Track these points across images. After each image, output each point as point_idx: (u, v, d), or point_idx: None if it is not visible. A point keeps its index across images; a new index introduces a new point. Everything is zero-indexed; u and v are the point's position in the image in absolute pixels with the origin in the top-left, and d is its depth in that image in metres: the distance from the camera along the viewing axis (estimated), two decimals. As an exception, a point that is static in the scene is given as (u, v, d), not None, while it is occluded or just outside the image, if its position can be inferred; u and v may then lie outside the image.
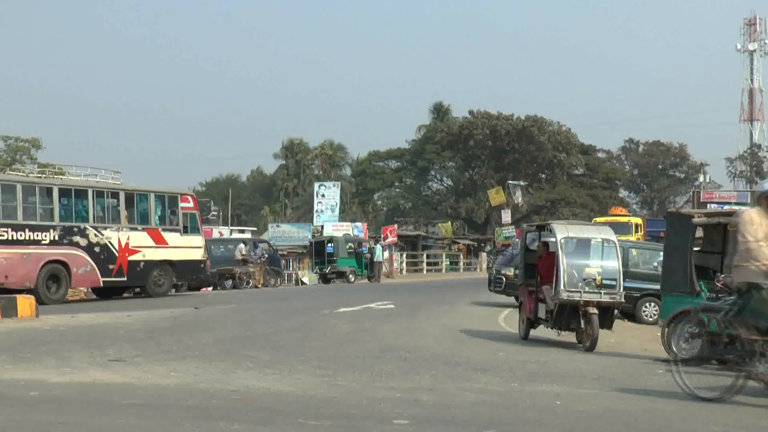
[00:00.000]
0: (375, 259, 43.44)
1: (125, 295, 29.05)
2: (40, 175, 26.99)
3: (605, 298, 15.49)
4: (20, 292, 22.43)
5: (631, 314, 22.48)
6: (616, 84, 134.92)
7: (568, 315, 15.71)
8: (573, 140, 71.24)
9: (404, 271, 53.30)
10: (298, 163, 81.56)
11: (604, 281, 15.57)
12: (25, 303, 19.48)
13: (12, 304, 19.21)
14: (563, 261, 15.51)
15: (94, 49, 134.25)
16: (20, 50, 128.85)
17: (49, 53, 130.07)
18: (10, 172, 28.01)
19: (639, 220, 44.98)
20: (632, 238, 40.07)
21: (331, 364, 12.70)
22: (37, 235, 24.55)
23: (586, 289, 15.45)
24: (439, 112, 78.98)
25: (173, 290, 29.92)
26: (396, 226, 59.31)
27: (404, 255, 55.58)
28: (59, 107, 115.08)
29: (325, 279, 42.47)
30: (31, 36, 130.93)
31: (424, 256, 58.01)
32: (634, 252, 23.71)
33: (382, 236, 53.00)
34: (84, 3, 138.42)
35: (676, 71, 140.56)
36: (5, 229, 23.78)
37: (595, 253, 16.13)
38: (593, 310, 15.36)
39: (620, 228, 43.03)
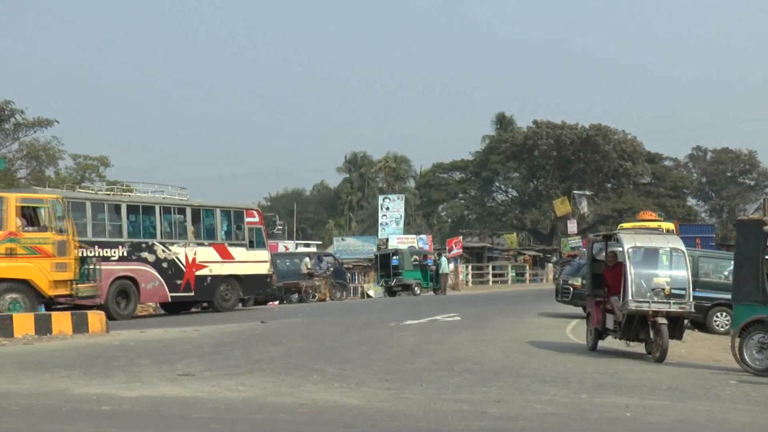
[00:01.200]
0: (440, 272, 43.33)
1: (193, 309, 29.34)
2: (108, 193, 27.41)
3: (674, 308, 15.26)
4: (91, 308, 22.75)
5: (702, 324, 22.12)
6: (682, 90, 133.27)
7: (636, 325, 15.51)
8: (639, 148, 70.44)
9: (470, 283, 53.10)
10: (362, 177, 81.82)
11: (673, 291, 15.34)
12: (95, 319, 19.76)
13: (83, 319, 19.50)
14: (631, 271, 15.32)
15: (159, 68, 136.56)
16: (87, 75, 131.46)
17: (113, 77, 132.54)
18: (80, 190, 28.50)
19: (671, 226, 41.07)
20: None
21: (398, 376, 12.67)
22: (107, 252, 24.91)
23: (655, 299, 15.24)
24: (502, 122, 78.67)
25: (240, 305, 30.15)
26: (461, 237, 59.12)
27: (470, 267, 55.36)
28: (127, 123, 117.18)
29: (390, 292, 42.47)
30: (96, 64, 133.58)
31: (490, 267, 57.72)
32: (704, 261, 23.32)
33: (447, 248, 52.86)
34: (145, 34, 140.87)
35: (744, 76, 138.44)
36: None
37: (663, 262, 15.91)
38: (662, 321, 15.14)
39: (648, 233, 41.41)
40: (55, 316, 19.25)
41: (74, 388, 11.50)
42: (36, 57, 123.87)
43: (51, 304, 21.53)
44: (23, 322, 18.42)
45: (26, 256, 20.96)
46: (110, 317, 21.63)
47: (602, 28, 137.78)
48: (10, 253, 20.73)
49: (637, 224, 40.80)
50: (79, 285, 22.15)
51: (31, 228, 21.30)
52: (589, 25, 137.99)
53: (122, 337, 18.69)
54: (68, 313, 19.69)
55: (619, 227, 41.61)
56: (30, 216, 21.35)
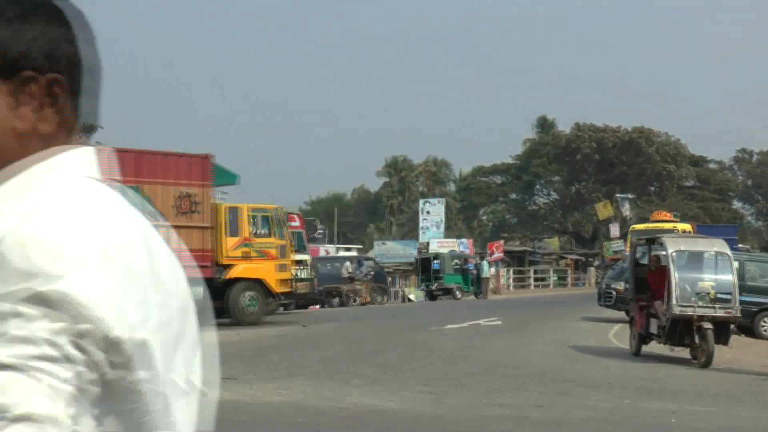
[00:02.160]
0: (481, 276, 43.19)
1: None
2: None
3: (720, 313, 15.05)
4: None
5: (749, 329, 21.80)
6: (727, 92, 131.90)
7: (681, 330, 15.32)
8: (682, 151, 69.80)
9: (511, 287, 52.84)
10: (402, 180, 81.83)
11: (719, 295, 15.15)
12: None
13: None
14: (675, 275, 15.14)
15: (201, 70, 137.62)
16: (126, 77, 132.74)
17: (152, 77, 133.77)
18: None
19: (688, 227, 39.66)
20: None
21: (439, 381, 12.63)
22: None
23: (700, 303, 15.06)
24: (544, 126, 78.34)
25: (281, 308, 30.22)
26: (502, 241, 58.86)
27: (511, 271, 55.09)
28: (167, 123, 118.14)
29: (431, 296, 42.37)
30: (132, 63, 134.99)
31: (531, 271, 57.40)
32: (750, 265, 22.99)
33: (489, 252, 52.65)
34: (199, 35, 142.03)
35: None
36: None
37: (708, 266, 15.73)
38: (708, 325, 14.94)
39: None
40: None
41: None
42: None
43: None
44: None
45: (257, 259, 23.42)
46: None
47: (644, 28, 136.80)
48: (245, 256, 23.28)
49: (651, 225, 39.67)
50: (298, 283, 25.60)
51: (260, 233, 23.67)
52: (629, 25, 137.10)
53: (165, 341, 18.80)
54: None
55: (630, 229, 40.71)
56: (257, 224, 23.93)
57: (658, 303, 15.78)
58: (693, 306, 15.03)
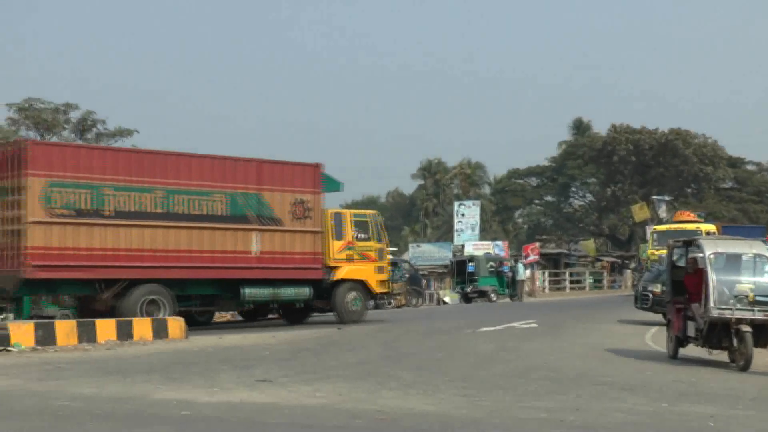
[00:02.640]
0: (517, 278, 43.07)
1: (269, 316, 29.54)
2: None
3: (759, 316, 14.90)
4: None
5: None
6: (766, 92, 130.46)
7: (719, 333, 15.19)
8: (720, 153, 69.17)
9: (546, 290, 52.65)
10: (437, 183, 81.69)
11: (758, 298, 14.98)
12: (175, 325, 20.06)
13: (163, 325, 19.82)
14: (713, 277, 15.01)
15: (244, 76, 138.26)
16: (164, 86, 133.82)
17: (188, 86, 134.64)
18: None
19: (712, 228, 37.58)
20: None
21: (475, 383, 12.61)
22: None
23: (738, 306, 14.92)
24: (579, 127, 77.93)
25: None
26: (537, 244, 58.63)
27: (546, 273, 54.89)
28: (205, 133, 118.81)
29: (466, 298, 42.28)
30: (173, 75, 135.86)
31: (567, 274, 57.17)
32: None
33: (524, 254, 52.48)
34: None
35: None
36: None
37: (746, 268, 15.57)
38: (746, 328, 14.80)
39: (686, 237, 38.58)
40: (136, 322, 19.62)
41: (154, 393, 11.67)
42: (117, 70, 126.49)
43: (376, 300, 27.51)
44: (105, 328, 18.80)
45: (359, 261, 25.53)
46: (189, 323, 21.90)
47: (684, 28, 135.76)
48: (349, 259, 25.33)
49: (674, 226, 39.08)
50: (393, 284, 28.30)
51: (361, 237, 25.72)
52: (668, 25, 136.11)
53: (201, 343, 18.93)
54: (148, 319, 20.05)
55: (652, 230, 40.26)
56: (359, 228, 25.97)
57: (696, 305, 15.65)
58: (731, 309, 14.89)
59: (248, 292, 23.26)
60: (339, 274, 24.95)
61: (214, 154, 23.17)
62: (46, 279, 20.15)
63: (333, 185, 26.66)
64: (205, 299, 23.34)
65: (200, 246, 22.15)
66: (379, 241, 26.19)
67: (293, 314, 26.04)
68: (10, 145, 20.91)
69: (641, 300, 25.17)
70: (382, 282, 26.18)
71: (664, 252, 36.83)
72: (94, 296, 21.08)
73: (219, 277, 22.80)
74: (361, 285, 25.50)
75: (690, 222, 38.49)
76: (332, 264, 24.85)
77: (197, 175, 22.28)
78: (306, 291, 24.40)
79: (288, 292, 24.15)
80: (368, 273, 25.68)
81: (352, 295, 25.23)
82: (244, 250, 22.89)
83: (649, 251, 38.13)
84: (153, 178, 21.51)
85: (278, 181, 23.57)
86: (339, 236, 25.10)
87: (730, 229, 42.64)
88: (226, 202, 22.67)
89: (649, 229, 57.86)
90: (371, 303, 27.20)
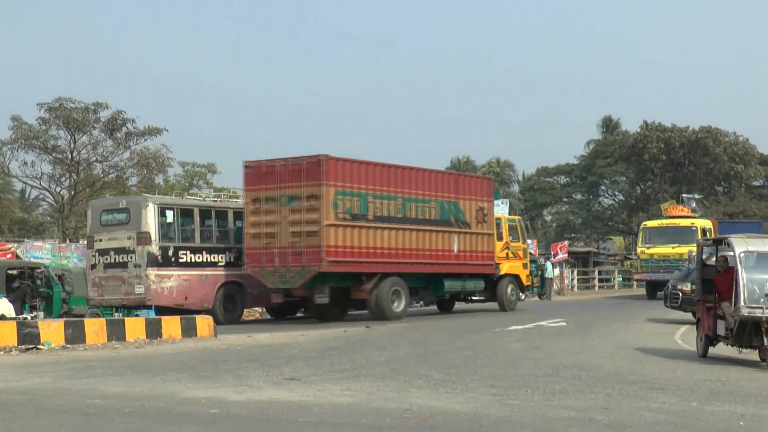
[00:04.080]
0: (545, 276, 42.92)
1: (298, 314, 29.64)
2: (215, 199, 27.91)
3: (790, 315, 14.75)
4: (199, 312, 23.24)
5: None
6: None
7: (749, 332, 15.07)
8: (751, 150, 68.62)
9: (575, 288, 52.46)
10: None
11: (789, 297, 14.82)
12: (203, 323, 20.17)
13: (192, 324, 19.93)
14: (743, 276, 14.89)
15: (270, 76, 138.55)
16: (195, 85, 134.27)
17: (217, 84, 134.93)
18: (188, 197, 29.10)
19: (708, 224, 37.31)
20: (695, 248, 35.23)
21: (503, 382, 12.58)
22: (214, 257, 25.40)
23: (769, 304, 14.77)
24: (609, 126, 77.57)
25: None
26: (566, 242, 58.41)
27: (575, 271, 54.70)
28: (233, 132, 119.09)
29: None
30: (202, 72, 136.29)
31: (596, 272, 56.94)
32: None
33: (552, 253, 52.31)
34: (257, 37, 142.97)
35: None
36: (184, 252, 24.70)
37: (777, 267, 15.41)
38: (777, 327, 14.67)
39: (680, 234, 36.44)
40: (165, 320, 19.75)
41: (184, 392, 11.73)
42: (147, 68, 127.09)
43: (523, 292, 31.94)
44: (135, 327, 18.94)
45: (513, 259, 30.05)
46: (218, 322, 22.05)
47: (713, 25, 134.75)
48: (507, 257, 29.68)
49: (665, 222, 38.26)
50: (533, 279, 34.11)
51: (513, 239, 30.19)
52: (696, 24, 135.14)
53: (230, 342, 19.01)
54: (177, 317, 20.19)
55: (642, 225, 39.36)
56: (511, 231, 30.46)
57: (726, 304, 15.53)
58: (762, 307, 14.76)
59: (447, 284, 27.52)
60: (503, 270, 29.43)
61: (424, 167, 27.29)
62: (333, 272, 24.27)
63: (496, 195, 31.72)
64: (412, 291, 26.98)
65: (422, 245, 26.32)
66: (524, 242, 31.15)
67: (444, 303, 29.95)
68: (306, 158, 24.10)
69: (671, 299, 25.03)
70: (527, 276, 31.22)
71: (656, 250, 36.49)
72: (354, 287, 25.27)
73: (433, 271, 27.06)
74: (516, 279, 30.07)
75: (684, 217, 38.23)
76: (496, 261, 29.03)
77: (420, 185, 26.40)
78: (482, 284, 28.83)
79: (471, 285, 28.41)
80: (520, 269, 30.39)
81: (510, 288, 29.69)
82: (448, 249, 27.10)
83: (639, 249, 37.58)
84: (395, 188, 25.57)
85: (468, 191, 27.93)
86: (499, 238, 29.44)
87: (726, 224, 42.06)
88: (437, 208, 26.83)
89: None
90: (522, 295, 31.83)
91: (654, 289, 36.91)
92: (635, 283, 43.51)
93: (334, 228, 23.74)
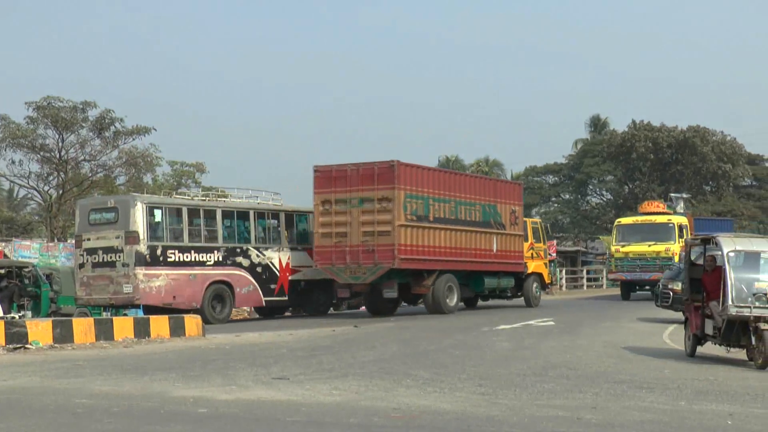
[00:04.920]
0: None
1: (286, 314, 29.61)
2: (204, 198, 27.86)
3: (778, 314, 14.80)
4: (187, 311, 23.20)
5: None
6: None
7: (737, 331, 15.11)
8: (739, 150, 68.83)
9: (564, 288, 52.54)
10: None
11: (776, 295, 14.88)
12: (192, 322, 20.13)
13: (180, 323, 19.89)
14: (731, 275, 14.94)
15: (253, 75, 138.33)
16: (186, 85, 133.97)
17: (213, 83, 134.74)
18: (176, 196, 29.03)
19: (684, 220, 36.28)
20: (674, 246, 34.15)
21: (492, 381, 12.60)
22: (202, 257, 25.36)
23: (757, 304, 14.82)
24: (597, 125, 77.71)
25: (332, 309, 30.32)
26: (555, 241, 58.49)
27: (563, 271, 54.79)
28: (222, 131, 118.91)
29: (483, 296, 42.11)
30: (196, 68, 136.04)
31: (584, 271, 57.05)
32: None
33: (541, 252, 52.30)
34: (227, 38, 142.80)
35: None
36: (173, 251, 24.65)
37: (765, 266, 15.47)
38: (765, 326, 14.70)
39: (656, 231, 35.58)
40: (153, 320, 19.71)
41: (172, 391, 11.71)
42: (134, 67, 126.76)
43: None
44: (123, 326, 18.89)
45: (537, 259, 32.03)
46: (206, 321, 22.01)
47: (699, 27, 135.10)
48: (532, 257, 31.60)
49: (640, 219, 37.52)
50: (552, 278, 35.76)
51: (536, 240, 32.23)
52: (684, 24, 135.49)
53: (218, 341, 18.98)
54: (166, 317, 20.15)
55: (616, 223, 38.84)
56: (533, 232, 32.46)
57: (714, 304, 15.57)
58: (749, 307, 14.81)
59: (487, 281, 29.32)
60: (530, 268, 31.33)
61: (470, 173, 29.92)
62: (401, 269, 25.97)
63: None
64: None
65: (470, 245, 28.26)
66: (544, 242, 33.25)
67: (469, 301, 31.17)
68: (378, 163, 26.13)
69: (662, 298, 25.02)
70: (548, 275, 33.45)
71: (632, 248, 35.89)
72: (414, 283, 26.97)
73: (477, 269, 28.84)
74: (540, 277, 32.00)
75: (660, 214, 37.19)
76: (524, 261, 30.94)
77: (468, 189, 28.48)
78: (512, 281, 30.67)
79: (504, 282, 30.17)
80: (543, 268, 32.52)
81: (535, 285, 31.54)
82: (489, 249, 29.02)
83: (614, 247, 36.63)
84: (448, 192, 27.54)
85: (504, 195, 30.12)
86: (525, 239, 31.16)
87: (700, 221, 41.68)
88: (481, 211, 28.83)
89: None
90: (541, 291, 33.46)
91: (629, 289, 36.38)
92: (610, 282, 42.85)
93: (404, 228, 25.77)
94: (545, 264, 33.01)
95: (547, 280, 33.41)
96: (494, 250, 29.29)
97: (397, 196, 25.58)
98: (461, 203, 27.99)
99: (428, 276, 26.86)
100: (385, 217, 25.62)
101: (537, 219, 36.09)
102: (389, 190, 25.59)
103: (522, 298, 31.27)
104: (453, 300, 27.39)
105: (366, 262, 25.81)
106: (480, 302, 31.84)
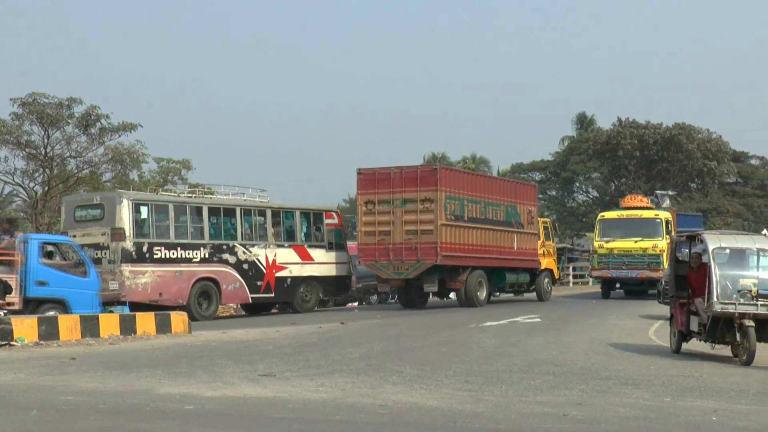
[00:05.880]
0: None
1: (273, 311, 29.59)
2: (190, 195, 27.80)
3: (762, 310, 14.89)
4: (173, 308, 23.15)
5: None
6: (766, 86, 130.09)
7: (722, 328, 15.18)
8: (724, 148, 69.08)
9: (571, 284, 52.58)
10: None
11: (761, 292, 14.96)
12: (178, 319, 20.09)
13: (166, 320, 19.84)
14: (716, 272, 15.01)
15: (240, 71, 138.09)
16: (173, 82, 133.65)
17: (197, 83, 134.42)
18: (163, 193, 28.96)
19: (668, 215, 35.36)
20: (661, 242, 33.27)
21: (478, 378, 12.62)
22: (189, 254, 25.31)
23: (741, 300, 14.91)
24: (583, 122, 77.84)
25: (319, 306, 30.31)
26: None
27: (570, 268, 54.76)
28: (208, 127, 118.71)
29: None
30: (183, 69, 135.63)
31: (570, 268, 57.14)
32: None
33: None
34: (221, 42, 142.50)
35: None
36: (159, 248, 24.60)
37: (750, 263, 15.56)
38: (749, 323, 14.80)
39: (643, 227, 34.18)
40: (139, 316, 19.65)
41: (158, 388, 11.69)
42: (121, 63, 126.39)
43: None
44: (109, 323, 18.83)
45: (546, 256, 33.65)
46: (192, 318, 21.97)
47: (689, 27, 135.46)
48: (543, 254, 33.26)
49: (625, 213, 36.62)
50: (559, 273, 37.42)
51: (546, 238, 33.82)
52: (671, 25, 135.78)
53: (204, 338, 18.95)
54: (152, 314, 20.09)
55: (599, 217, 38.25)
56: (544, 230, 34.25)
57: (699, 300, 15.64)
58: (734, 303, 14.89)
59: (508, 277, 31.09)
60: (543, 265, 33.09)
61: (494, 176, 30.99)
62: (441, 265, 27.76)
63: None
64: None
65: (495, 243, 30.07)
66: (554, 240, 35.37)
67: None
68: (420, 166, 29.11)
69: (664, 295, 24.77)
70: (557, 271, 35.70)
71: (617, 244, 35.10)
72: (449, 278, 28.70)
73: (501, 265, 30.58)
74: (551, 273, 34.04)
75: (645, 209, 36.05)
76: (538, 258, 32.75)
77: (494, 191, 30.40)
78: (528, 277, 32.46)
79: (521, 278, 31.99)
80: (553, 264, 34.52)
81: (546, 281, 33.52)
82: (510, 246, 30.82)
83: (597, 243, 35.12)
84: (479, 193, 29.36)
85: (522, 196, 32.02)
86: (537, 237, 32.75)
87: (681, 217, 41.16)
88: (504, 211, 30.62)
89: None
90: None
91: (609, 287, 35.20)
92: (596, 279, 41.42)
93: (445, 227, 27.57)
94: (554, 260, 34.85)
95: (557, 276, 35.35)
96: (515, 248, 31.12)
97: (439, 198, 27.34)
98: (489, 204, 29.80)
99: (462, 272, 28.59)
100: (428, 216, 27.36)
101: (547, 219, 38.33)
102: (432, 191, 27.35)
103: (534, 293, 33.17)
104: (483, 294, 29.25)
105: (409, 258, 27.52)
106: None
